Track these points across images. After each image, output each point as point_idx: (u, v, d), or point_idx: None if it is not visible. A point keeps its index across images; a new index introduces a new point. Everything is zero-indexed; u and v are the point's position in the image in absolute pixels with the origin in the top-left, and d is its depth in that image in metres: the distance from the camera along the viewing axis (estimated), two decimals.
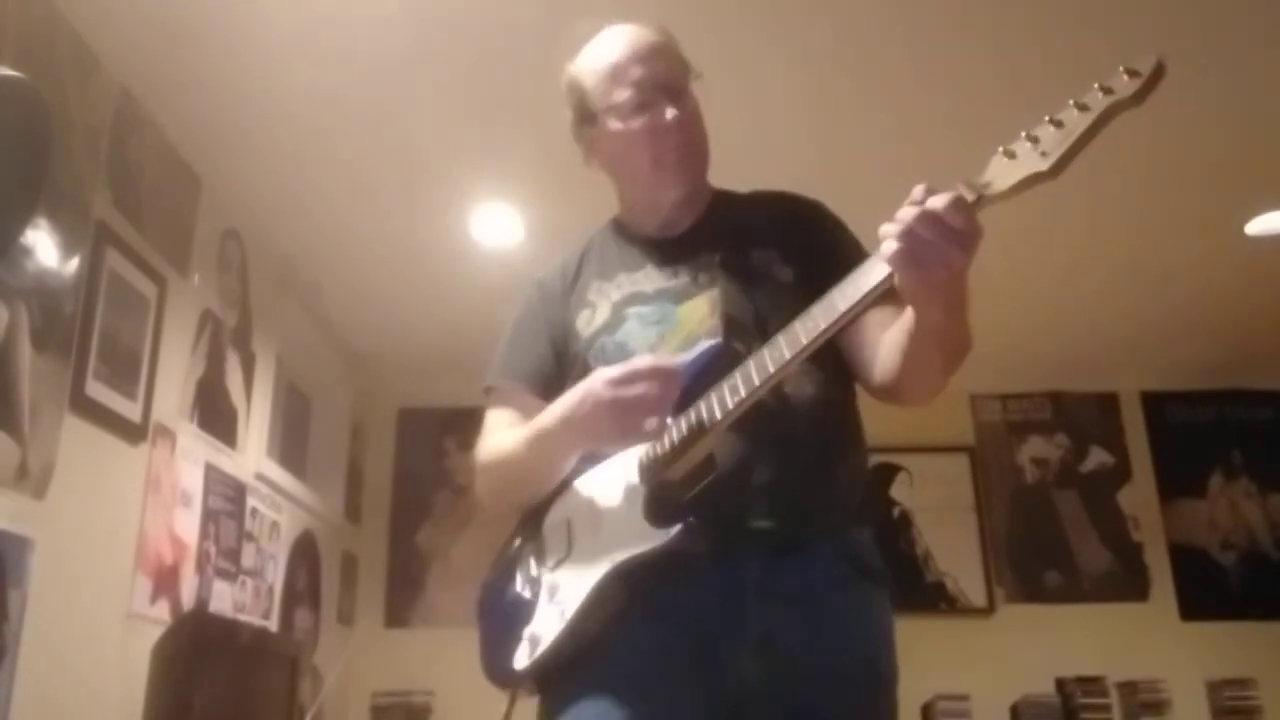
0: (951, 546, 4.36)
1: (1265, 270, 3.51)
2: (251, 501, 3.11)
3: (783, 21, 2.34)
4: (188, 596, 2.64)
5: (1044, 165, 0.92)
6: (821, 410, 1.23)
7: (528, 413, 1.33)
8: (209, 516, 2.79)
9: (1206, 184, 3.03)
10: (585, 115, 1.38)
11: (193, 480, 2.72)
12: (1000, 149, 0.97)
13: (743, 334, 1.21)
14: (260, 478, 3.19)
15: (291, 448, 3.81)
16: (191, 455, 2.71)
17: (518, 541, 1.34)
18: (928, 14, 2.33)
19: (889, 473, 4.48)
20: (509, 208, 3.12)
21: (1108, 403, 4.59)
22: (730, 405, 1.10)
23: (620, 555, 1.14)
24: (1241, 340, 4.16)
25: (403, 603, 4.26)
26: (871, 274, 1.01)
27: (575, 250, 1.46)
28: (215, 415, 2.88)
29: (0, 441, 1.91)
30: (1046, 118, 0.94)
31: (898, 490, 4.47)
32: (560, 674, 1.19)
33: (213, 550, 2.81)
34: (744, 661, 1.13)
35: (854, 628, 1.19)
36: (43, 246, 2.07)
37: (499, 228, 3.21)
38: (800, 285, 1.22)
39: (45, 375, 2.06)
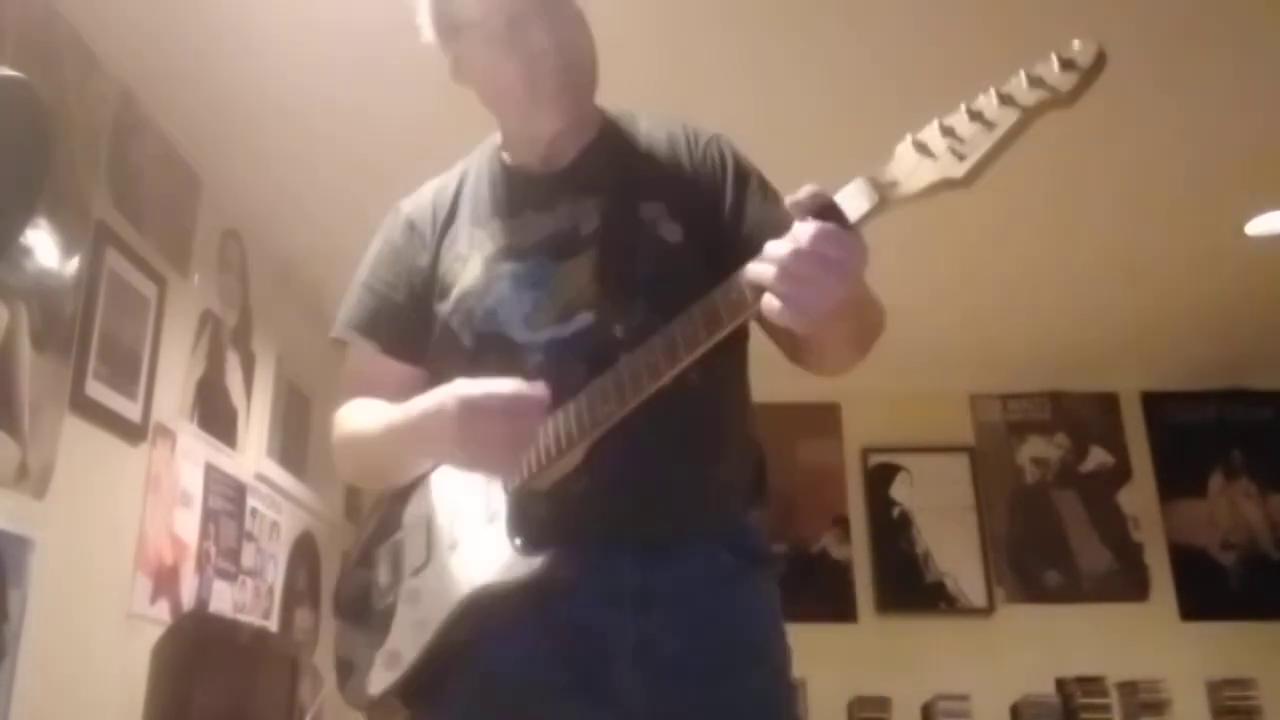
0: (951, 546, 4.36)
1: (1265, 270, 3.51)
2: (251, 501, 3.11)
3: None
4: (188, 596, 2.64)
5: (958, 171, 0.81)
6: (700, 398, 1.11)
7: (380, 377, 1.22)
8: (209, 516, 2.79)
9: (1207, 184, 3.02)
10: (447, 27, 1.21)
11: (193, 480, 2.72)
12: (909, 137, 0.85)
13: (623, 309, 1.09)
14: (260, 478, 3.19)
15: (291, 448, 3.80)
16: (191, 455, 2.71)
17: (376, 535, 1.22)
18: None
19: (889, 473, 4.48)
20: None
21: (1108, 403, 4.59)
22: (600, 417, 1.01)
23: (479, 579, 1.04)
24: (1241, 340, 4.15)
25: None
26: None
27: (450, 181, 1.30)
28: (215, 415, 2.88)
29: (0, 441, 1.91)
30: (965, 108, 0.82)
31: (898, 490, 4.46)
32: (425, 696, 1.09)
33: (213, 550, 2.81)
34: (625, 671, 1.05)
35: (739, 620, 1.11)
36: (43, 246, 2.07)
37: None
38: (688, 245, 1.13)
39: (45, 375, 2.06)
